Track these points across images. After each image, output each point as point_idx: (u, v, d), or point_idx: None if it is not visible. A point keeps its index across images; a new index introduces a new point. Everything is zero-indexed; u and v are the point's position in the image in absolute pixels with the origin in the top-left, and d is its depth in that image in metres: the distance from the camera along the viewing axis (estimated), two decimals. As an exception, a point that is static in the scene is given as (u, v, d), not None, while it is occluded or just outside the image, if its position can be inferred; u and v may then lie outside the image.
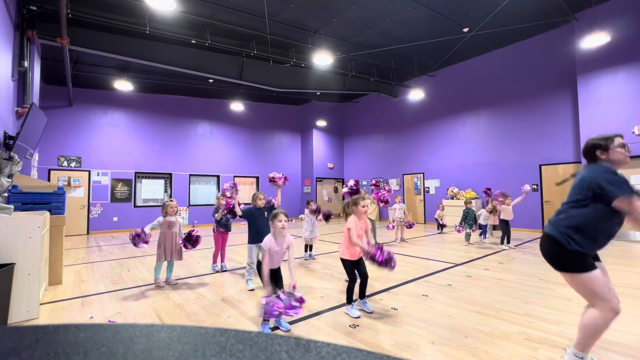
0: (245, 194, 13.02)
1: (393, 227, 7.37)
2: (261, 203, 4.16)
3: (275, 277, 2.88)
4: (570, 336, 2.51)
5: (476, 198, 9.77)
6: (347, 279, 3.20)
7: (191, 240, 4.27)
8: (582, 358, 1.96)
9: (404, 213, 7.51)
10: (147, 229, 4.06)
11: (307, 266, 5.18)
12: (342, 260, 3.15)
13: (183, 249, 4.29)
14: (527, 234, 8.48)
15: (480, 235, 7.37)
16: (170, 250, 4.18)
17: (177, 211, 4.37)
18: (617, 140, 1.98)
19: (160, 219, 4.22)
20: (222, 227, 4.93)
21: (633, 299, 3.38)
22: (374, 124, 13.99)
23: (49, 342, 0.26)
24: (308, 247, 5.81)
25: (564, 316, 2.93)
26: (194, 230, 4.36)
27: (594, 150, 2.03)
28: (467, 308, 3.17)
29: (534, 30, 8.77)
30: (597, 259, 2.03)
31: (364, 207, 3.12)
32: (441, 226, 9.11)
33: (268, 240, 2.83)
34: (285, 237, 2.86)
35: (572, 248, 1.91)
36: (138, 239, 3.90)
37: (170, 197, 11.43)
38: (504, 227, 6.54)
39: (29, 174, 6.54)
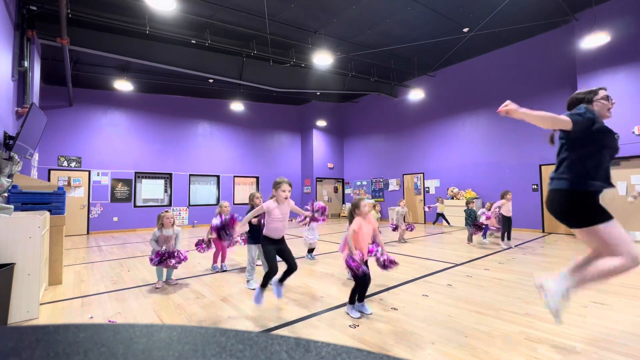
0: (245, 194, 13.03)
1: (395, 224, 7.42)
2: (259, 202, 4.16)
3: (281, 250, 2.79)
4: (571, 336, 2.51)
5: (477, 198, 9.78)
6: (349, 277, 3.21)
7: (162, 259, 3.91)
8: (566, 291, 1.96)
9: (404, 217, 7.52)
10: (154, 248, 4.01)
11: (307, 266, 5.18)
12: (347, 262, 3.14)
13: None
14: (527, 234, 8.48)
15: (481, 235, 7.38)
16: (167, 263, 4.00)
17: (173, 222, 4.12)
18: (601, 93, 1.99)
19: (156, 232, 4.04)
20: None
21: (633, 298, 3.38)
22: (374, 124, 13.99)
23: (49, 342, 0.26)
24: (309, 250, 5.82)
25: (564, 316, 2.93)
26: (174, 252, 3.99)
27: (578, 104, 2.05)
28: (467, 308, 3.17)
29: (534, 30, 8.77)
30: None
31: (365, 206, 3.14)
32: (445, 220, 9.11)
33: (270, 203, 2.78)
34: (288, 203, 2.85)
35: (585, 188, 1.87)
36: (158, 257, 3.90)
37: (170, 197, 11.44)
38: (505, 223, 6.55)
39: (29, 174, 6.54)
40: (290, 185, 2.83)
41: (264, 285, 2.75)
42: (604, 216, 1.89)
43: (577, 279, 1.97)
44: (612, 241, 1.87)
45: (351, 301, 3.08)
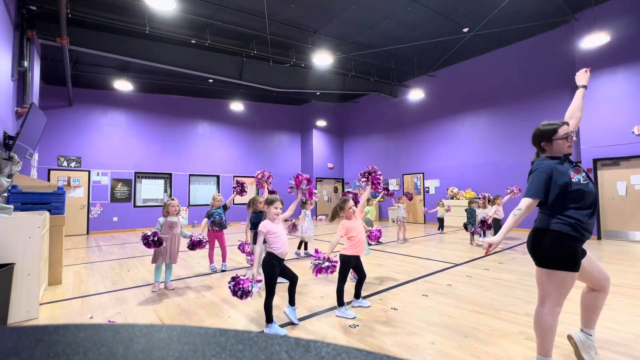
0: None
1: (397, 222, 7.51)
2: (262, 207, 4.18)
3: (283, 270, 2.79)
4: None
5: (477, 198, 9.77)
6: (355, 278, 3.30)
7: (193, 245, 4.24)
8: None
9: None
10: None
11: (307, 266, 5.17)
12: (342, 256, 3.16)
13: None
14: (527, 234, 8.48)
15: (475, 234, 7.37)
16: (170, 252, 3.97)
17: (178, 210, 4.19)
18: (561, 131, 1.95)
19: (161, 219, 4.04)
20: (217, 226, 4.94)
21: (633, 298, 3.38)
22: (374, 124, 13.99)
23: (48, 342, 0.26)
24: (304, 245, 5.85)
25: (563, 316, 2.92)
26: (192, 236, 4.28)
27: (540, 142, 2.03)
28: (467, 308, 3.17)
29: (534, 30, 8.77)
30: (584, 253, 2.02)
31: (350, 208, 3.20)
32: (441, 226, 9.14)
33: (267, 223, 2.79)
34: (280, 222, 2.90)
35: (577, 234, 1.84)
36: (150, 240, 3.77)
37: (170, 196, 11.43)
38: (497, 226, 6.67)
39: (29, 174, 6.53)
40: (282, 202, 2.90)
41: (270, 318, 2.70)
42: (578, 265, 1.88)
43: (540, 351, 1.98)
44: (563, 290, 1.88)
45: (340, 303, 3.08)
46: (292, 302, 2.88)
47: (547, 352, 1.93)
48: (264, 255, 2.80)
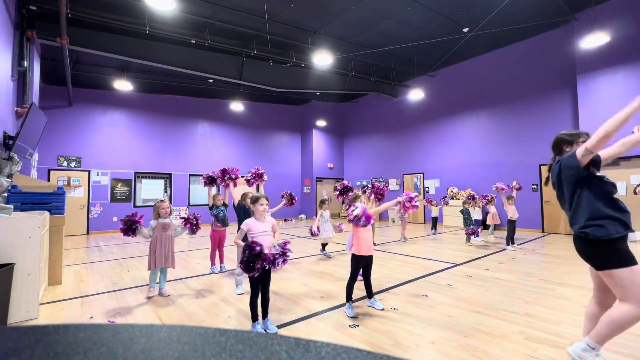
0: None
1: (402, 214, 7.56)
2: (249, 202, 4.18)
3: (264, 278, 2.71)
4: (570, 336, 2.51)
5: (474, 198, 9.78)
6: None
7: (192, 224, 3.82)
8: (594, 349, 1.94)
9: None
10: (144, 235, 3.68)
11: (308, 266, 5.18)
12: (352, 255, 3.18)
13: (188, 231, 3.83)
14: (527, 234, 8.48)
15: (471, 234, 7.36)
16: (165, 256, 3.72)
17: (170, 212, 3.89)
18: (583, 137, 2.11)
19: (153, 222, 3.77)
20: (220, 222, 4.95)
21: (633, 299, 3.38)
22: (374, 124, 13.99)
23: (48, 342, 0.26)
24: (323, 246, 6.05)
25: (563, 316, 2.93)
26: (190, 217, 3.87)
27: (561, 145, 2.16)
28: (467, 308, 3.17)
29: (534, 30, 8.77)
30: None
31: (362, 202, 3.31)
32: (435, 225, 9.19)
33: (250, 220, 2.78)
34: (267, 219, 2.86)
35: (602, 235, 1.86)
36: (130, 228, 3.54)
37: (170, 197, 11.43)
38: (510, 227, 6.50)
39: (29, 174, 6.53)
40: (267, 199, 2.86)
41: (255, 317, 2.72)
42: (629, 260, 1.85)
43: (597, 339, 1.94)
44: (633, 286, 1.83)
45: (348, 298, 3.11)
46: (257, 316, 2.74)
47: (600, 342, 1.92)
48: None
